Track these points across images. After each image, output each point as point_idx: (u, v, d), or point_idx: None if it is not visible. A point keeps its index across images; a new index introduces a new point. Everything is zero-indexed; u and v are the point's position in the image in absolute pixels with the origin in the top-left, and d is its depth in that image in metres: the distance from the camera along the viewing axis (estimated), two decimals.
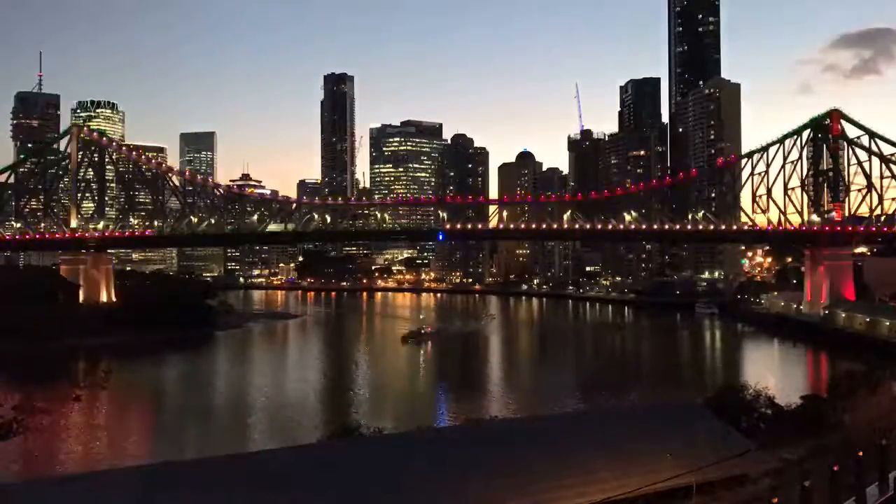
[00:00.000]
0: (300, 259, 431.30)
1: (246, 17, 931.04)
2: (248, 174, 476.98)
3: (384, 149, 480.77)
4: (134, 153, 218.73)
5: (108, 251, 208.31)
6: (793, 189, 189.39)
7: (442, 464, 41.06)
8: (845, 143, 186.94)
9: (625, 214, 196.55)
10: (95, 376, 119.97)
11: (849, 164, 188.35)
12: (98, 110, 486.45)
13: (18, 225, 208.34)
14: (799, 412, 61.96)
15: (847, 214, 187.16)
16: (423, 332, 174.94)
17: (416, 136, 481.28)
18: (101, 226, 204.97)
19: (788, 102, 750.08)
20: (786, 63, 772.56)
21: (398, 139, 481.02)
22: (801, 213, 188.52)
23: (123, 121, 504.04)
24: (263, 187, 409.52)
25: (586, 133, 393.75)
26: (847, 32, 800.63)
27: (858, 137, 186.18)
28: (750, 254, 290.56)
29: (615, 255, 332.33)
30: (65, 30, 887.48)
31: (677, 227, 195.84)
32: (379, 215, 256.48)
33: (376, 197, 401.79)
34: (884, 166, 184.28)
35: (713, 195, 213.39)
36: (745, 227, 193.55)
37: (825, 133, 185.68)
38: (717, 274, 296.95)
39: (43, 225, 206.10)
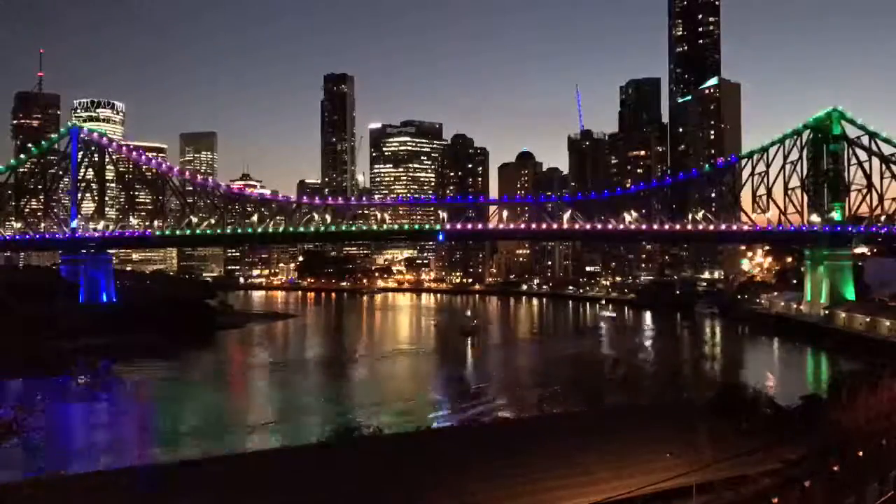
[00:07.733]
0: (300, 259, 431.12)
1: (246, 18, 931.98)
2: (248, 174, 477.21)
3: (384, 149, 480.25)
4: (134, 153, 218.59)
5: (108, 251, 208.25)
6: (793, 189, 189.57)
7: (442, 464, 41.13)
8: (845, 143, 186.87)
9: (625, 214, 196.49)
10: (95, 376, 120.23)
11: (849, 164, 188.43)
12: (98, 110, 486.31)
13: (18, 225, 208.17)
14: (799, 412, 61.98)
15: (847, 214, 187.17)
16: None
17: (416, 136, 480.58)
18: (101, 226, 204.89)
19: (788, 102, 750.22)
20: (786, 63, 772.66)
21: (398, 139, 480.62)
22: (801, 213, 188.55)
23: (123, 121, 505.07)
24: (263, 187, 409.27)
25: (586, 133, 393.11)
26: (846, 32, 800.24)
27: (858, 137, 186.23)
28: (750, 254, 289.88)
29: (615, 255, 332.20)
30: (65, 30, 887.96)
31: (677, 227, 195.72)
32: (379, 215, 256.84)
33: (376, 197, 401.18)
34: (884, 166, 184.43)
35: (713, 195, 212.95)
36: (745, 227, 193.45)
37: (825, 133, 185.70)
38: (717, 274, 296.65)
39: (43, 225, 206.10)
